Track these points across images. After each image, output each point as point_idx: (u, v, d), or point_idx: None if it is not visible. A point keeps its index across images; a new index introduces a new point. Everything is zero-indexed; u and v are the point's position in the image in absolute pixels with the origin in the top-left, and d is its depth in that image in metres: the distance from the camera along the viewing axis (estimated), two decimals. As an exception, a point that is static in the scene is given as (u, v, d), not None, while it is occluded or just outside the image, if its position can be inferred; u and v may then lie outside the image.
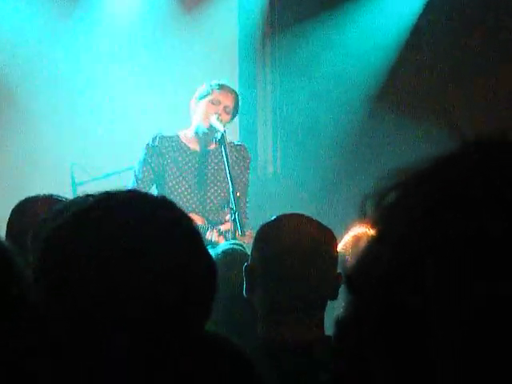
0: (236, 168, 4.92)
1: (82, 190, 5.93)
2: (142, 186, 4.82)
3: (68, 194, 5.59)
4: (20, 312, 1.14)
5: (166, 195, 4.81)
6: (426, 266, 0.73)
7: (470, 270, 0.71)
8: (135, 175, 4.90)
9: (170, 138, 4.92)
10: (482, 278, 0.71)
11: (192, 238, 1.39)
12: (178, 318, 1.33)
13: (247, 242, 4.39)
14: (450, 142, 0.80)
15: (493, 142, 0.78)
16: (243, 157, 4.98)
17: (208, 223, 4.81)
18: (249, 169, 5.02)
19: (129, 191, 1.42)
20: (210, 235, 4.71)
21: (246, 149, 5.05)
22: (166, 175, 4.87)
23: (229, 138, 4.95)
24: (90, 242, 1.32)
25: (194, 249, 1.37)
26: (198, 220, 4.74)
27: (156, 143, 4.88)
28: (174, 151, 4.89)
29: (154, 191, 4.89)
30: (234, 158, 4.94)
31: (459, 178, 0.75)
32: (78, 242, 1.33)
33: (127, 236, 1.32)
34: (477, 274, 0.71)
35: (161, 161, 4.87)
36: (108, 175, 5.96)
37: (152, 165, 4.87)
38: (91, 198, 1.36)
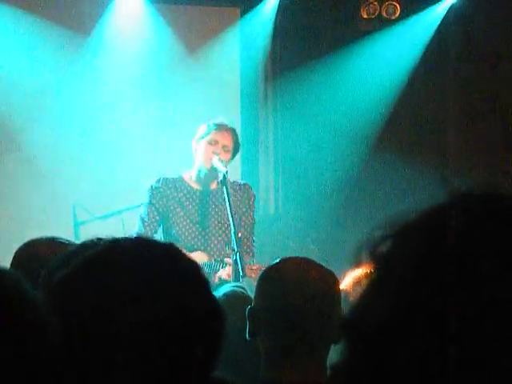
0: (241, 206, 4.98)
1: (83, 230, 5.95)
2: (148, 228, 4.89)
3: (70, 233, 5.62)
4: (38, 339, 1.15)
5: (172, 235, 4.92)
6: (421, 314, 0.74)
7: (465, 317, 0.73)
8: (141, 218, 4.95)
9: (173, 179, 4.99)
10: (479, 325, 0.72)
11: (196, 284, 1.41)
12: (179, 361, 1.34)
13: (254, 276, 4.40)
14: (442, 191, 0.82)
15: (481, 196, 0.79)
16: (248, 195, 5.03)
17: (215, 261, 4.84)
18: (254, 207, 5.06)
19: (136, 239, 1.44)
20: (223, 273, 4.73)
21: (250, 187, 5.10)
22: (171, 215, 4.93)
23: (232, 178, 5.02)
24: (94, 290, 1.36)
25: (196, 295, 1.39)
26: (205, 257, 4.79)
27: (159, 185, 4.95)
28: (178, 192, 4.95)
29: (160, 232, 4.96)
30: (239, 197, 4.99)
31: (447, 232, 0.77)
32: (83, 290, 1.37)
33: (130, 283, 1.36)
34: (473, 322, 0.73)
35: (165, 201, 4.94)
36: (109, 215, 5.98)
37: (156, 206, 4.92)
38: (99, 245, 1.40)
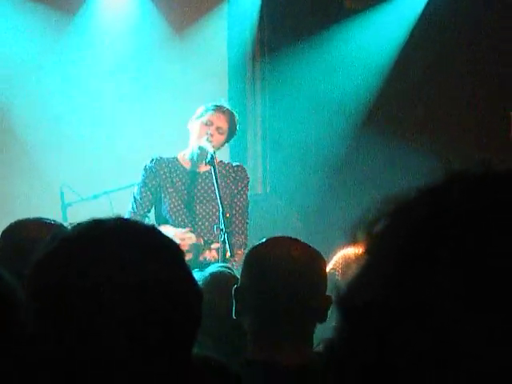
0: (234, 188, 4.97)
1: (71, 211, 5.95)
2: (140, 207, 4.93)
3: (58, 215, 5.61)
4: (15, 334, 1.15)
5: (163, 215, 4.93)
6: (416, 293, 0.74)
7: (458, 300, 0.73)
8: (134, 198, 4.98)
9: (167, 159, 5.01)
10: (471, 307, 0.72)
11: (175, 261, 1.42)
12: (161, 339, 1.36)
13: (238, 261, 4.44)
14: (436, 170, 0.82)
15: (476, 175, 0.79)
16: (241, 177, 5.02)
17: (204, 242, 4.86)
18: (247, 189, 5.06)
19: (117, 219, 1.45)
20: (208, 254, 4.76)
21: (244, 169, 5.10)
22: (163, 195, 4.95)
23: (221, 158, 5.03)
24: (76, 270, 1.37)
25: (177, 275, 1.41)
26: (194, 239, 4.79)
27: (153, 164, 4.98)
28: (171, 172, 4.97)
29: (153, 212, 5.01)
30: (232, 179, 4.98)
31: (441, 211, 0.77)
32: (65, 270, 1.38)
33: (111, 264, 1.37)
34: (465, 303, 0.73)
35: (158, 181, 4.96)
36: (97, 196, 5.98)
37: (149, 185, 4.95)
38: (81, 225, 1.42)
